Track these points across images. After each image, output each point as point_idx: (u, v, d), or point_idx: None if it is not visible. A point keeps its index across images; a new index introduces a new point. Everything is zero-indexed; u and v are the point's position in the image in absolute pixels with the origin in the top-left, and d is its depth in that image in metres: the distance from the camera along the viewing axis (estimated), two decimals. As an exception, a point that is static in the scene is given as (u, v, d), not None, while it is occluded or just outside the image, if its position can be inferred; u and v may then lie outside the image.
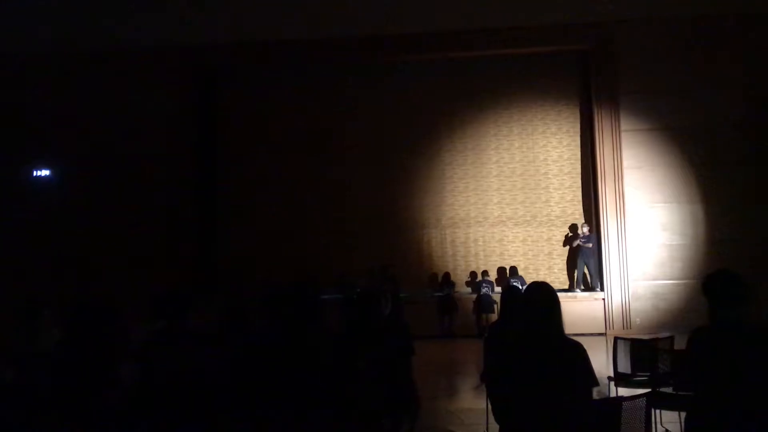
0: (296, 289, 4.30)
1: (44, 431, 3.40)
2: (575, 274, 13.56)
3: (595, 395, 3.45)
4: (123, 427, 3.58)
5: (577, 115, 14.16)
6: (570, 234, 13.87)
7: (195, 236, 13.90)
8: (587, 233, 13.30)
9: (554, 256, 14.06)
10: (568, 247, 13.90)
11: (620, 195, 12.94)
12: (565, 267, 13.97)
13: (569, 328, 3.44)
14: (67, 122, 13.80)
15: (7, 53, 13.63)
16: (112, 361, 3.90)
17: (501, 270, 13.85)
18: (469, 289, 13.81)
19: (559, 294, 3.48)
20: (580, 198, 14.04)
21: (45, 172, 14.08)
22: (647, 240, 12.81)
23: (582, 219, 13.80)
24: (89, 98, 13.79)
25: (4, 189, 13.79)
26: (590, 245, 13.20)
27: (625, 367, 6.37)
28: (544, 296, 3.42)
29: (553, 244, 14.07)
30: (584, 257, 13.30)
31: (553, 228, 14.09)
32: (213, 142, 14.76)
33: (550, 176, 14.18)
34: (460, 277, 14.05)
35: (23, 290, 11.09)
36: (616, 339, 6.64)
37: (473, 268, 14.07)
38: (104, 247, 13.31)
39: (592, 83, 13.52)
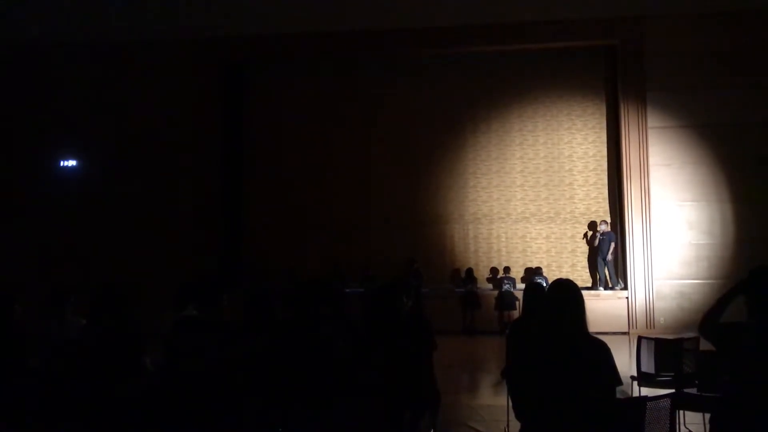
0: (320, 284, 4.31)
1: (68, 417, 3.44)
2: (597, 273, 13.45)
3: (618, 395, 3.41)
4: (147, 413, 3.61)
5: (603, 112, 14.00)
6: (589, 232, 13.76)
7: (220, 227, 14.00)
8: (606, 231, 13.18)
9: (578, 254, 13.94)
10: (589, 245, 13.80)
11: (646, 192, 12.78)
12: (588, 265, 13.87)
13: (592, 326, 3.41)
14: (93, 113, 13.96)
15: (36, 44, 13.82)
16: (136, 345, 3.94)
17: (528, 270, 13.77)
18: (490, 286, 13.76)
19: (582, 292, 3.44)
20: (606, 195, 13.89)
21: (72, 162, 14.28)
22: (673, 239, 12.65)
23: (607, 216, 13.67)
24: (116, 89, 13.92)
25: (33, 178, 14.00)
26: (607, 243, 13.06)
27: (648, 366, 6.30)
28: (567, 294, 3.38)
29: (576, 242, 13.95)
30: (603, 254, 13.18)
31: (577, 225, 13.97)
32: (239, 134, 14.83)
33: (574, 173, 14.05)
34: (483, 273, 13.99)
35: (50, 278, 11.30)
36: (639, 338, 6.58)
37: (495, 264, 14.01)
38: (130, 236, 13.47)
39: (618, 79, 13.34)
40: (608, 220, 13.55)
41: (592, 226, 13.71)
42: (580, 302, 3.34)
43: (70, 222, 13.63)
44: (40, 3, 12.14)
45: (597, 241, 13.24)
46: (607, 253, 13.10)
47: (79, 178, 14.12)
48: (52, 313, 4.68)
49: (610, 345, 3.33)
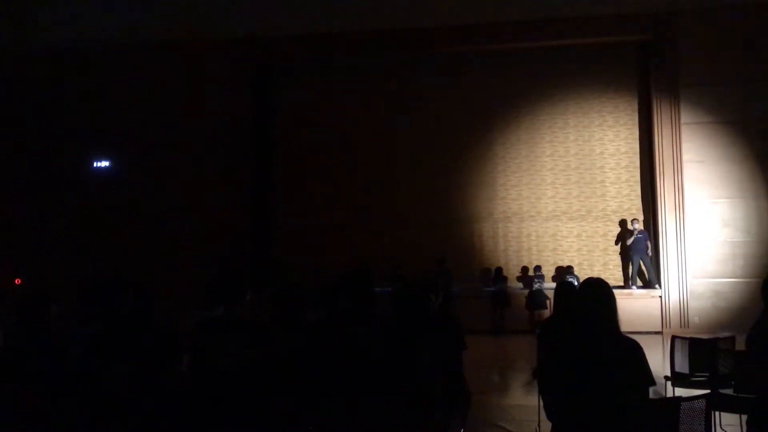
0: (350, 281, 4.30)
1: (101, 416, 3.49)
2: (629, 271, 13.25)
3: (652, 395, 3.36)
4: (175, 414, 3.64)
5: (635, 108, 13.81)
6: (621, 230, 13.56)
7: (250, 227, 14.11)
8: (641, 229, 12.99)
9: (609, 252, 13.76)
10: (620, 244, 13.60)
11: (679, 190, 12.58)
12: (621, 263, 13.70)
13: (624, 325, 3.36)
14: (126, 113, 14.18)
15: (67, 46, 14.07)
16: (173, 343, 3.96)
17: (559, 269, 13.63)
18: (521, 284, 13.66)
19: (614, 291, 3.40)
20: (638, 192, 13.70)
21: (104, 163, 14.52)
22: (708, 236, 12.43)
23: (640, 214, 13.49)
24: (148, 90, 14.13)
25: (66, 178, 14.27)
26: (643, 241, 12.87)
27: (682, 366, 6.21)
28: (599, 292, 3.35)
29: (608, 240, 13.77)
30: (639, 253, 12.98)
31: (609, 223, 13.80)
32: (268, 134, 14.93)
33: (606, 170, 13.87)
34: (512, 272, 13.89)
35: (80, 277, 11.46)
36: (673, 338, 6.47)
37: (526, 262, 13.90)
38: (160, 236, 13.64)
39: (651, 75, 13.16)
40: (640, 218, 13.38)
41: (623, 224, 13.54)
42: (611, 301, 3.31)
43: (101, 222, 13.86)
44: (70, 5, 12.35)
45: (633, 240, 13.02)
46: (646, 251, 12.92)
47: (112, 179, 14.36)
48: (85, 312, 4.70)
49: (643, 344, 3.29)
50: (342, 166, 14.47)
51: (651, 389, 3.26)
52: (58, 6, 12.46)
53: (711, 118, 12.58)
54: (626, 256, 13.42)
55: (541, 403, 3.81)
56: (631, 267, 13.20)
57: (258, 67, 14.63)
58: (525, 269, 13.79)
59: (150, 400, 3.63)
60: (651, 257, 13.01)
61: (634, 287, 12.97)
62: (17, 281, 13.38)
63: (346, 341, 3.91)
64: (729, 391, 5.37)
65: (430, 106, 14.32)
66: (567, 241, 13.95)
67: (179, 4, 12.54)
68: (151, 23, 13.28)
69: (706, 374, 5.96)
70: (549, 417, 3.41)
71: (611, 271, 13.57)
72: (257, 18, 13.04)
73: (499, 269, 13.58)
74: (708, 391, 5.11)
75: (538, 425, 5.77)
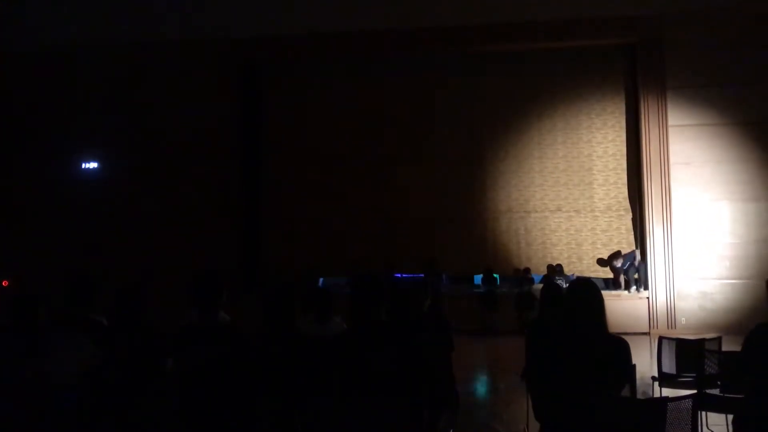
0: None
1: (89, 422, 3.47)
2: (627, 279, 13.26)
3: (639, 395, 3.39)
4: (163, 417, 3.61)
5: (623, 110, 13.86)
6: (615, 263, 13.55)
7: (239, 227, 14.07)
8: (621, 260, 13.06)
9: (598, 245, 13.77)
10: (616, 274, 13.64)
11: (667, 191, 12.67)
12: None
13: (612, 326, 3.39)
14: (114, 114, 14.10)
15: (55, 46, 13.98)
16: (158, 347, 3.90)
17: (549, 267, 13.62)
18: (511, 285, 13.68)
19: (602, 292, 3.43)
20: (626, 194, 13.74)
21: (92, 164, 14.43)
22: (694, 238, 12.52)
23: (627, 216, 13.56)
24: (136, 90, 14.06)
25: (53, 179, 14.17)
26: (633, 261, 12.97)
27: (669, 367, 6.24)
28: (586, 293, 3.37)
29: (596, 234, 13.76)
30: (631, 273, 13.05)
31: (596, 230, 13.81)
32: (258, 134, 14.90)
33: (594, 172, 13.90)
34: (501, 271, 13.89)
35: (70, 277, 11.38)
36: (661, 338, 6.52)
37: (515, 262, 13.92)
38: (150, 237, 13.57)
39: (638, 77, 13.23)
40: (627, 216, 13.48)
41: (602, 262, 13.56)
42: (599, 301, 3.34)
43: (91, 223, 13.76)
44: (58, 5, 12.30)
45: (621, 269, 13.10)
46: (633, 261, 12.98)
47: (100, 180, 14.27)
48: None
49: (630, 345, 3.31)
50: (331, 166, 14.44)
51: (639, 390, 3.29)
52: (45, 6, 12.40)
53: (698, 120, 12.67)
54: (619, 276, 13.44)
55: (530, 403, 3.83)
56: (624, 278, 13.19)
57: (246, 67, 14.58)
58: (516, 270, 13.79)
59: (134, 400, 3.61)
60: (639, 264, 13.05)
61: (633, 289, 12.94)
62: (5, 283, 13.28)
63: (335, 344, 3.86)
64: (715, 392, 5.41)
65: (420, 106, 14.31)
66: (556, 235, 13.95)
67: (168, 4, 12.51)
68: (138, 24, 13.23)
69: (693, 374, 5.99)
70: (537, 417, 3.43)
71: (600, 274, 13.60)
72: (245, 18, 13.03)
73: (489, 270, 13.59)
74: (695, 391, 5.14)
75: (527, 425, 5.79)
